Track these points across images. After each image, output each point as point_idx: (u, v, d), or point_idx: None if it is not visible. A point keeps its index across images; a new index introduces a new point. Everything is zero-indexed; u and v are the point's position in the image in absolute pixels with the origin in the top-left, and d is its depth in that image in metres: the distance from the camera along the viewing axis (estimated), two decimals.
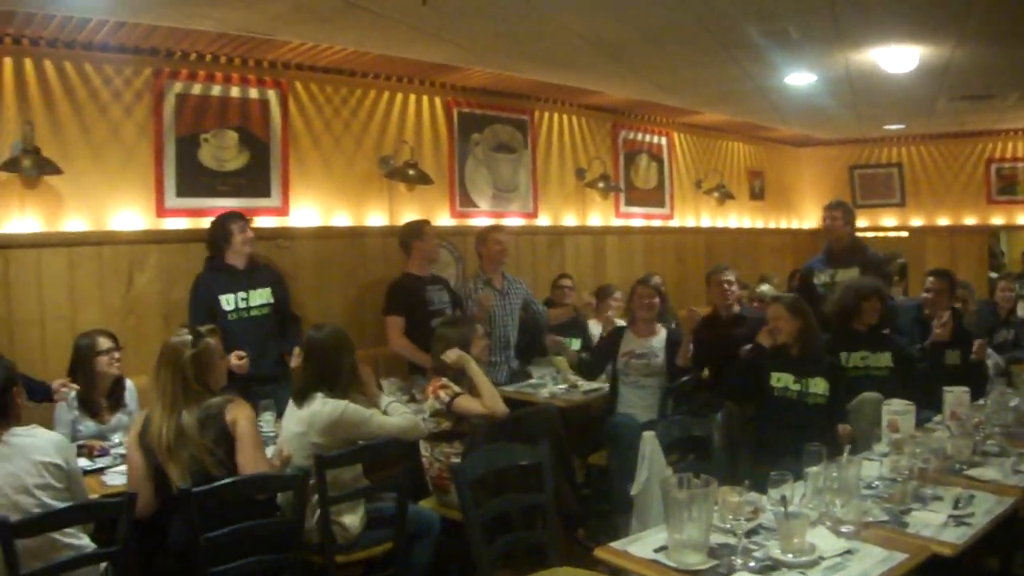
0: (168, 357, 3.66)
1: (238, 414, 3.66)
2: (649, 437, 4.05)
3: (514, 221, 7.90)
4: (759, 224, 11.44)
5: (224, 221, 5.46)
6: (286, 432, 4.05)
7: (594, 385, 6.06)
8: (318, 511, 3.75)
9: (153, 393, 3.68)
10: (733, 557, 2.78)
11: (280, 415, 4.51)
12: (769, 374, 4.93)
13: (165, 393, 3.62)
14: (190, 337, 3.71)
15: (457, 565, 4.38)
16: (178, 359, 3.64)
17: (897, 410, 3.94)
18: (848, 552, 2.83)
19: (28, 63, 5.28)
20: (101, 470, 4.10)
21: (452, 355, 4.71)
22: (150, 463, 3.60)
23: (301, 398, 4.02)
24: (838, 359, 5.20)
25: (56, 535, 3.22)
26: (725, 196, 10.45)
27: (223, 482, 3.47)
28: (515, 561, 3.75)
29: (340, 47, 6.01)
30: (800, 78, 7.05)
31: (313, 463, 3.72)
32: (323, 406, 3.95)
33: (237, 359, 4.93)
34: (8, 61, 5.22)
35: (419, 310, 6.03)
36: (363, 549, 3.94)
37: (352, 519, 3.92)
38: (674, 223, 9.93)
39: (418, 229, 6.30)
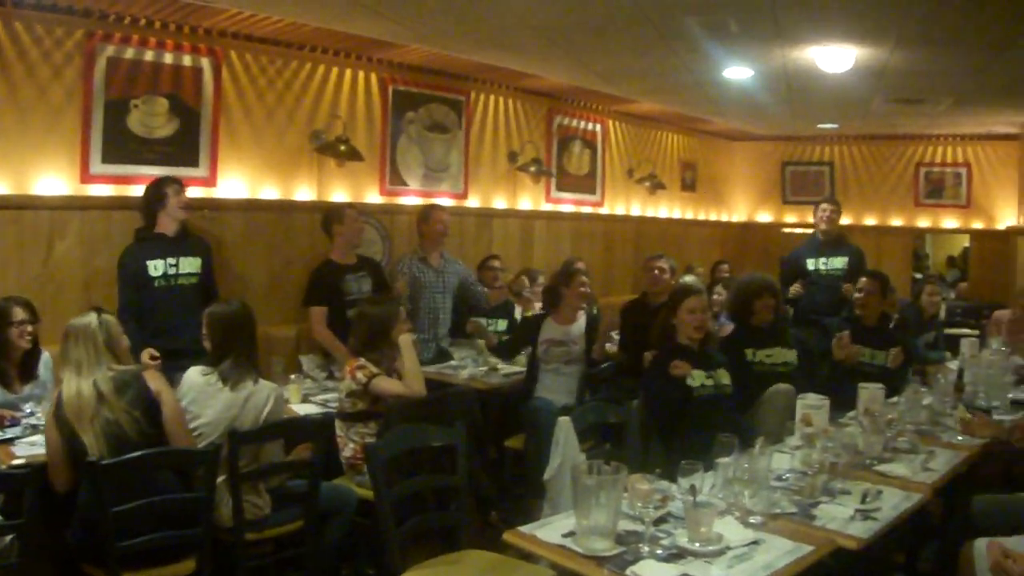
0: (76, 330, 3.67)
1: (160, 385, 3.71)
2: (564, 423, 4.04)
3: (444, 201, 7.77)
4: (689, 215, 11.56)
5: (160, 184, 5.32)
6: (209, 414, 3.94)
7: (514, 368, 6.02)
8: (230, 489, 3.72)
9: (64, 369, 3.65)
10: (640, 544, 2.80)
11: None
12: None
13: (77, 362, 3.60)
14: (93, 314, 3.75)
15: (367, 544, 4.39)
16: (87, 329, 3.66)
17: (811, 404, 3.96)
18: (755, 543, 2.86)
19: None
20: (11, 440, 4.01)
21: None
22: (65, 436, 3.52)
23: (231, 380, 3.96)
24: (743, 355, 5.22)
25: None
26: (656, 186, 10.53)
27: (132, 455, 3.42)
28: (428, 542, 3.76)
29: (277, 17, 5.88)
30: (738, 72, 7.08)
31: (227, 438, 3.69)
32: (259, 388, 3.99)
33: (150, 358, 4.65)
34: None
35: (337, 300, 5.96)
36: (274, 527, 3.91)
37: (265, 496, 3.90)
38: (604, 211, 9.98)
39: (339, 213, 6.18)
